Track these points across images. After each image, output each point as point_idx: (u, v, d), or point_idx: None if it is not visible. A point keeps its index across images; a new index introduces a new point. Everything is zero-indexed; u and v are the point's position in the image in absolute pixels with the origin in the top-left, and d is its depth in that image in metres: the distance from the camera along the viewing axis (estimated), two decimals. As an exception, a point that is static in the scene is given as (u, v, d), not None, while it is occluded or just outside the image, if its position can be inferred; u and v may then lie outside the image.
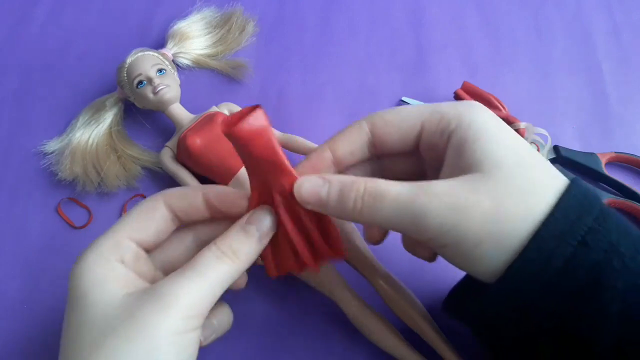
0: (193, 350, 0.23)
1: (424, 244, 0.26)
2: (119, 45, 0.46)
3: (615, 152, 0.40)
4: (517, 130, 0.39)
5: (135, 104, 0.41)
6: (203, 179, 0.38)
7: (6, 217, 0.39)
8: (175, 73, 0.42)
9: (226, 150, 0.37)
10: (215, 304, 0.25)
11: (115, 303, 0.22)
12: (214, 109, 0.40)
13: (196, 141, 0.37)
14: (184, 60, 0.44)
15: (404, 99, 0.43)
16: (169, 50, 0.43)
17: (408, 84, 0.44)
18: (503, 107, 0.41)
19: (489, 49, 0.46)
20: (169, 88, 0.39)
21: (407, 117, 0.26)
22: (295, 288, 0.36)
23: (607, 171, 0.39)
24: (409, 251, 0.29)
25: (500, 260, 0.22)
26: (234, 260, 0.24)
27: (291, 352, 0.34)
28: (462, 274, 0.26)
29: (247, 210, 0.26)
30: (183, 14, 0.46)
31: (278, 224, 0.26)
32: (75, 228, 0.39)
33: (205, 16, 0.47)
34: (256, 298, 0.36)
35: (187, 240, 0.27)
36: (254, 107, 0.23)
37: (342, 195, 0.24)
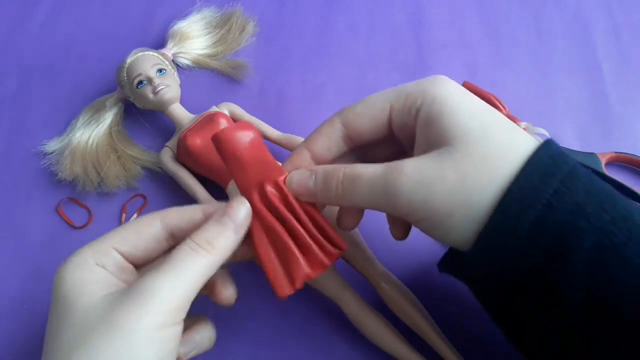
0: (174, 345, 0.23)
1: (401, 220, 0.29)
2: (119, 45, 0.46)
3: (615, 152, 0.40)
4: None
5: (135, 104, 0.41)
6: (203, 179, 0.38)
7: (6, 217, 0.39)
8: (175, 73, 0.42)
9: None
10: (198, 321, 0.27)
11: (94, 303, 0.22)
12: (214, 109, 0.40)
13: (196, 141, 0.37)
14: (184, 60, 0.44)
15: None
16: (169, 50, 0.43)
17: (408, 84, 0.44)
18: (503, 107, 0.41)
19: (489, 49, 0.46)
20: (169, 88, 0.39)
21: (375, 104, 0.27)
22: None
23: (607, 171, 0.39)
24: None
25: (471, 229, 0.23)
26: (210, 252, 0.24)
27: (291, 352, 0.34)
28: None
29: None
30: (183, 14, 0.46)
31: (278, 234, 0.26)
32: (75, 228, 0.39)
33: (205, 16, 0.47)
34: (255, 298, 0.36)
35: None
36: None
37: (325, 182, 0.26)
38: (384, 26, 0.48)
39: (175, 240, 0.27)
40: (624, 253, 0.21)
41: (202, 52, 0.45)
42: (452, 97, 0.25)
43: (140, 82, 0.39)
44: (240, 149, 0.26)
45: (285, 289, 0.27)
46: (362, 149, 0.29)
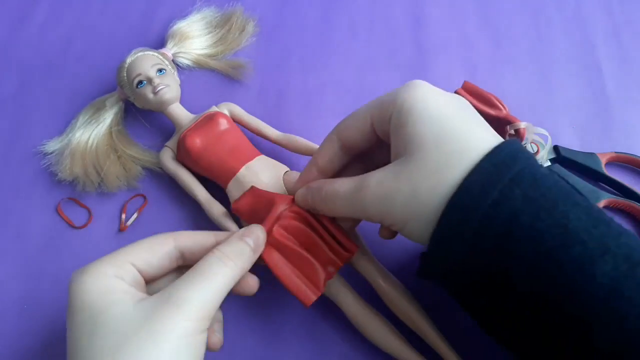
0: (203, 351, 0.24)
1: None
2: (119, 45, 0.46)
3: (615, 152, 0.40)
4: (517, 131, 0.39)
5: (135, 104, 0.41)
6: (203, 179, 0.38)
7: (6, 217, 0.39)
8: (175, 73, 0.42)
9: (226, 151, 0.37)
10: None
11: (126, 311, 0.23)
12: (214, 108, 0.40)
13: (196, 141, 0.37)
14: (183, 60, 0.44)
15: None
16: (169, 50, 0.43)
17: (408, 84, 0.44)
18: (503, 107, 0.41)
19: (489, 49, 0.46)
20: (169, 88, 0.39)
21: (359, 117, 0.29)
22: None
23: (607, 171, 0.39)
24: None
25: (426, 236, 0.26)
26: (236, 264, 0.26)
27: (290, 352, 0.34)
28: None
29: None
30: (183, 14, 0.46)
31: (292, 250, 0.30)
32: (75, 228, 0.39)
33: (205, 16, 0.47)
34: (255, 299, 0.36)
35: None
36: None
37: (314, 198, 0.30)
38: (384, 26, 0.48)
39: (184, 261, 0.28)
40: (558, 257, 0.22)
41: (202, 52, 0.45)
42: (416, 105, 0.26)
43: (140, 82, 0.39)
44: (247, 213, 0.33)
45: (310, 296, 0.30)
46: (366, 155, 0.31)
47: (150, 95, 0.39)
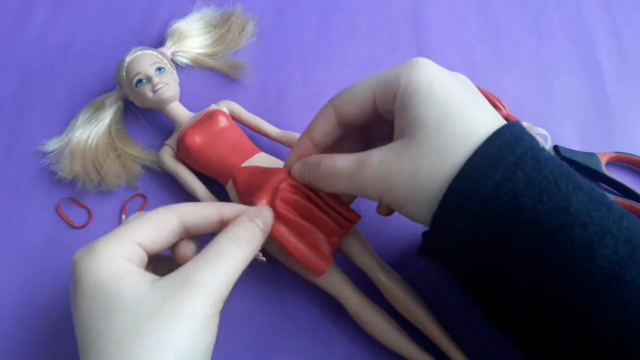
0: (216, 333, 0.24)
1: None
2: (118, 45, 0.46)
3: (615, 152, 0.40)
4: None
5: (135, 102, 0.41)
6: (203, 177, 0.38)
7: (6, 217, 0.39)
8: (175, 72, 0.42)
9: (225, 148, 0.37)
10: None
11: (141, 293, 0.23)
12: (213, 106, 0.40)
13: (195, 139, 0.37)
14: (182, 59, 0.44)
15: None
16: (168, 49, 0.43)
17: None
18: (503, 107, 0.41)
19: (489, 49, 0.46)
20: (168, 86, 0.39)
21: (359, 93, 0.29)
22: (295, 284, 0.36)
23: (607, 171, 0.39)
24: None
25: (426, 217, 0.26)
26: (249, 245, 0.26)
27: (292, 349, 0.34)
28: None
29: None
30: (183, 14, 0.46)
31: (298, 223, 0.30)
32: (75, 228, 0.39)
33: (204, 15, 0.47)
34: (256, 296, 0.36)
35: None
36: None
37: (312, 173, 0.30)
38: (384, 26, 0.48)
39: (187, 235, 0.28)
40: (558, 240, 0.22)
41: (200, 51, 0.45)
42: (421, 85, 0.26)
43: (140, 81, 0.39)
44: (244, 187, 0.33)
45: (321, 266, 0.31)
46: (363, 129, 0.31)
47: (150, 94, 0.39)
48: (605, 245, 0.22)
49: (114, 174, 0.39)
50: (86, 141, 0.40)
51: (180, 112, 0.40)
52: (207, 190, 0.38)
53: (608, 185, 0.39)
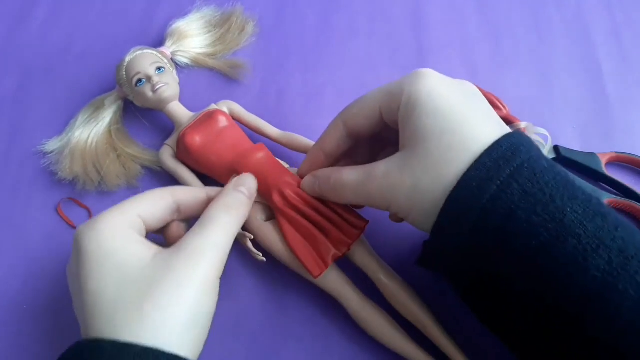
0: (217, 297, 0.26)
1: None
2: (118, 45, 0.46)
3: (615, 152, 0.40)
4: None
5: (135, 102, 0.41)
6: (203, 177, 0.38)
7: (6, 217, 0.39)
8: (174, 71, 0.42)
9: (225, 148, 0.37)
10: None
11: (147, 260, 0.25)
12: (213, 106, 0.40)
13: (195, 139, 0.37)
14: (182, 59, 0.44)
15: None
16: (168, 48, 0.43)
17: (408, 83, 0.44)
18: (503, 107, 0.41)
19: (489, 49, 0.46)
20: (168, 86, 0.39)
21: (366, 106, 0.30)
22: (295, 284, 0.36)
23: (607, 171, 0.39)
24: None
25: (429, 227, 0.26)
26: (238, 212, 0.29)
27: (291, 349, 0.34)
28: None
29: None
30: (183, 13, 0.46)
31: (302, 225, 0.32)
32: (75, 228, 0.39)
33: (204, 15, 0.46)
34: (255, 296, 0.36)
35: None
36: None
37: (322, 187, 0.31)
38: (384, 26, 0.48)
39: (179, 216, 0.30)
40: (552, 251, 0.23)
41: (200, 51, 0.45)
42: (422, 96, 0.26)
43: (139, 81, 0.39)
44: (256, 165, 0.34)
45: (317, 268, 0.32)
46: (372, 139, 0.32)
47: (150, 94, 0.39)
48: (599, 255, 0.22)
49: (114, 174, 0.39)
50: (86, 141, 0.40)
51: (180, 111, 0.40)
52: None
53: (608, 185, 0.39)
